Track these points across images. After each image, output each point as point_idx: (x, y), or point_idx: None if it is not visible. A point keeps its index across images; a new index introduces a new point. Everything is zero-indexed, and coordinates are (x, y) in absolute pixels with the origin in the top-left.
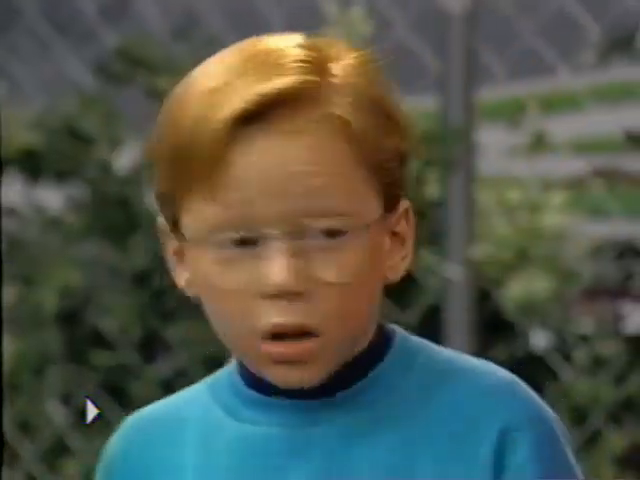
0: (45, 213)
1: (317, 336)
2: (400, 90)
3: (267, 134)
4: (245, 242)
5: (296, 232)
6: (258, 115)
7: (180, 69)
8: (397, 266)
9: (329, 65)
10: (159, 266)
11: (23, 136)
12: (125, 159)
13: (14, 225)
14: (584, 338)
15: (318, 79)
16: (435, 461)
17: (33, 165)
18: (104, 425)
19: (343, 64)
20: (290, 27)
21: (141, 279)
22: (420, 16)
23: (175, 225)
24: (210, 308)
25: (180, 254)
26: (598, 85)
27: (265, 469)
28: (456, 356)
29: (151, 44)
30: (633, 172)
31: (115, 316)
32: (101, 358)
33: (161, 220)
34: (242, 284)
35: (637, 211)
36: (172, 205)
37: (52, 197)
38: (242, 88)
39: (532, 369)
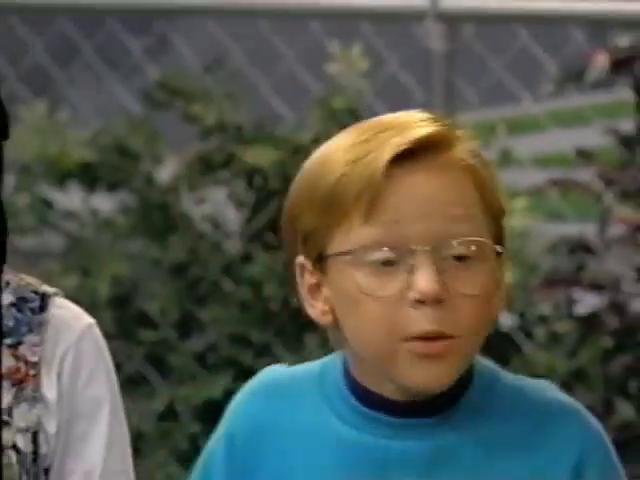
0: (99, 216)
1: (453, 338)
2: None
3: (415, 171)
4: (392, 260)
5: (438, 249)
6: (409, 156)
7: (210, 97)
8: (501, 303)
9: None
10: (193, 260)
11: (81, 153)
12: (165, 172)
13: (74, 226)
14: (543, 319)
15: (447, 129)
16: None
17: (90, 177)
18: (148, 390)
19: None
20: (300, 62)
21: (178, 270)
22: (409, 54)
23: (317, 261)
24: (354, 321)
25: (316, 288)
26: (555, 111)
27: (363, 472)
28: (520, 379)
29: (186, 77)
30: (583, 182)
31: (157, 300)
32: (145, 335)
33: (301, 259)
34: (396, 291)
35: (586, 214)
36: (319, 240)
37: (105, 203)
38: (390, 138)
39: (500, 344)
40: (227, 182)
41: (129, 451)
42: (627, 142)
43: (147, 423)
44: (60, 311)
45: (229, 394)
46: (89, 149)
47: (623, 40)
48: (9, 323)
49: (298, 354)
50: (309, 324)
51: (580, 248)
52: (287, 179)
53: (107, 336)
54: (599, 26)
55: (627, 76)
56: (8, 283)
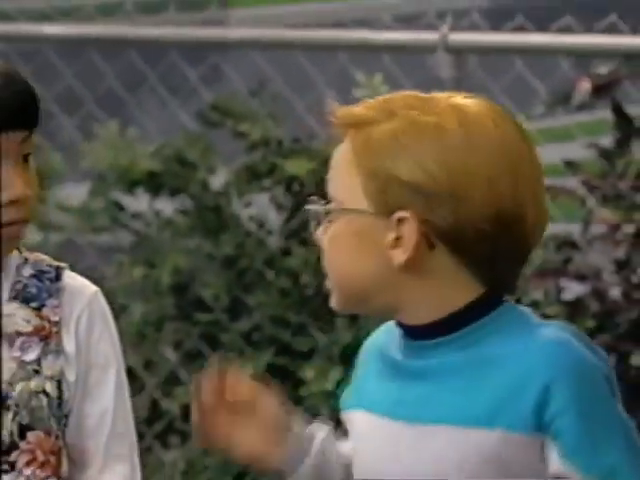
0: (162, 217)
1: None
2: None
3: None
4: None
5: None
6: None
7: (255, 117)
8: (398, 256)
9: (398, 112)
10: (241, 254)
11: (147, 164)
12: (217, 179)
13: (141, 225)
14: (535, 304)
15: (373, 114)
16: (492, 402)
17: (154, 184)
18: (203, 362)
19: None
20: (331, 87)
21: (228, 262)
22: (422, 81)
23: None
24: None
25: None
26: (545, 129)
27: (395, 387)
28: (535, 320)
29: (235, 100)
30: (569, 188)
31: (210, 288)
32: (201, 317)
33: None
34: None
35: (572, 216)
36: None
37: (167, 206)
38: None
39: None
40: (269, 188)
41: (129, 396)
42: (607, 155)
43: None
44: (71, 280)
45: (271, 366)
46: (154, 160)
47: (603, 69)
48: (32, 290)
49: (329, 333)
50: None
51: (567, 244)
52: (319, 185)
53: (169, 318)
54: (583, 57)
55: (606, 99)
56: (27, 259)
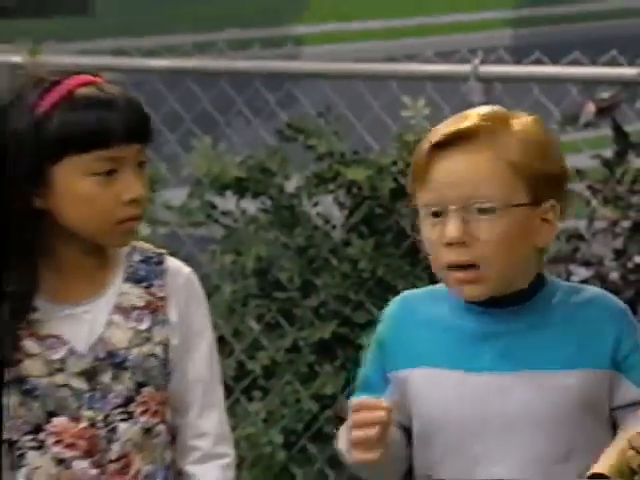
0: (247, 214)
1: (478, 268)
2: None
3: (451, 154)
4: (438, 214)
5: (465, 207)
6: (449, 143)
7: (323, 133)
8: (545, 239)
9: (510, 120)
10: (310, 244)
11: (235, 171)
12: (292, 184)
13: (230, 221)
14: None
15: (491, 124)
16: (573, 348)
17: (241, 188)
18: (280, 332)
19: (518, 121)
20: (384, 110)
21: (300, 251)
22: (457, 104)
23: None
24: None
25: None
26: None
27: (466, 346)
28: (574, 284)
29: (306, 120)
30: (577, 192)
31: (286, 272)
32: (278, 295)
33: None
34: (436, 237)
35: (579, 214)
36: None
37: (251, 206)
38: (437, 131)
39: None
40: (333, 191)
41: (218, 358)
42: (608, 164)
43: (279, 355)
44: (171, 263)
45: (335, 335)
46: (240, 169)
47: (605, 94)
48: (141, 273)
49: (382, 309)
50: (392, 288)
51: (575, 237)
52: (374, 189)
53: (252, 296)
54: (588, 84)
55: (607, 119)
56: (134, 248)
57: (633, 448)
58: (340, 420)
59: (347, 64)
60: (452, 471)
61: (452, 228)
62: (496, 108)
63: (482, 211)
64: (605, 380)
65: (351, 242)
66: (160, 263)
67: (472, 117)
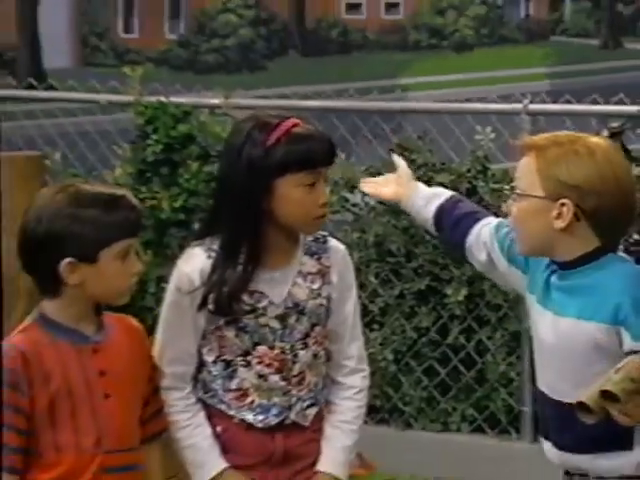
0: (369, 205)
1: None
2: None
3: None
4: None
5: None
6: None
7: (421, 151)
8: (558, 224)
9: (560, 141)
10: (412, 225)
11: (361, 176)
12: None
13: (357, 210)
14: None
15: (539, 143)
16: (593, 307)
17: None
18: (392, 286)
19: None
20: (463, 135)
21: (405, 230)
22: (513, 131)
23: None
24: None
25: None
26: None
27: (548, 288)
28: (622, 261)
29: (410, 141)
30: None
31: (395, 244)
32: (390, 260)
33: None
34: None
35: None
36: None
37: (372, 199)
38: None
39: None
40: None
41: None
42: None
43: (390, 300)
44: (332, 242)
45: (428, 287)
46: (364, 175)
47: (615, 124)
48: (313, 248)
49: (461, 268)
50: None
51: None
52: (455, 189)
53: (371, 260)
54: (603, 117)
55: (617, 141)
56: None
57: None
58: None
59: (437, 104)
60: (539, 381)
61: (506, 205)
62: (561, 133)
63: (516, 195)
64: (612, 331)
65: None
66: (325, 242)
67: (539, 137)
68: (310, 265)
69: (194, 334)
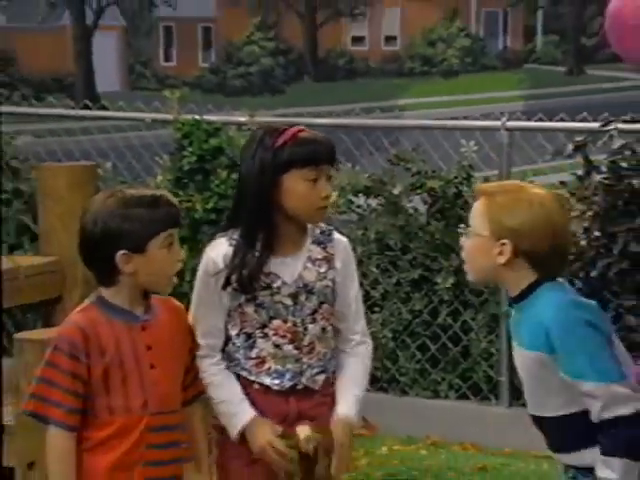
0: (370, 206)
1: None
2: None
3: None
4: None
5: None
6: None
7: (415, 161)
8: (500, 259)
9: (507, 189)
10: (408, 224)
11: (364, 182)
12: (397, 189)
13: (360, 210)
14: None
15: (492, 191)
16: (531, 336)
17: (367, 191)
18: (390, 273)
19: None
20: (450, 148)
21: (401, 228)
22: (493, 145)
23: None
24: None
25: None
26: (551, 166)
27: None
28: (555, 290)
29: (405, 153)
30: (561, 193)
31: (393, 240)
32: (388, 253)
33: None
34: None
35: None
36: None
37: (373, 202)
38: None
39: None
40: (420, 193)
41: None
42: (580, 178)
43: (389, 287)
44: (336, 235)
45: (421, 276)
46: (367, 181)
47: (579, 138)
48: (320, 239)
49: (449, 261)
50: (453, 249)
51: None
52: (444, 193)
53: (373, 254)
54: (569, 132)
55: (580, 152)
56: (317, 225)
57: None
58: None
59: (429, 121)
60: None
61: (461, 241)
62: (510, 182)
63: (468, 233)
64: (549, 358)
65: (430, 223)
66: (330, 234)
67: (490, 184)
68: (317, 252)
69: (221, 310)
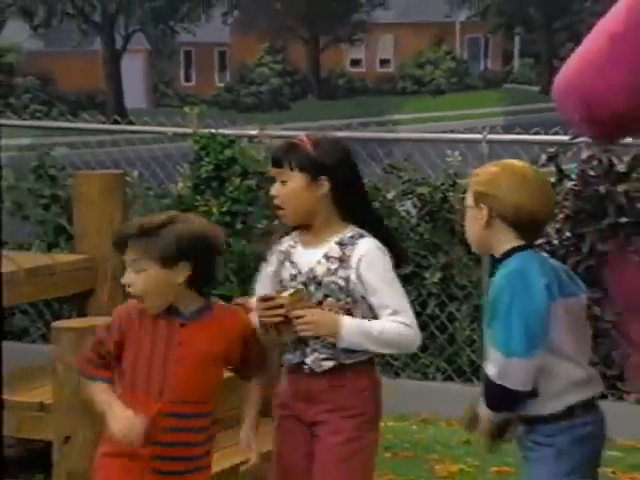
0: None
1: None
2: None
3: None
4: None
5: None
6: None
7: (406, 169)
8: (481, 222)
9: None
10: (400, 226)
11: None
12: (390, 195)
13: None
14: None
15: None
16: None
17: None
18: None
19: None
20: (437, 158)
21: (395, 229)
22: (475, 155)
23: None
24: None
25: None
26: None
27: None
28: (519, 258)
29: (398, 163)
30: None
31: None
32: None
33: None
34: None
35: None
36: None
37: None
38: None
39: None
40: (411, 198)
41: None
42: (553, 185)
43: None
44: (362, 240)
45: (412, 271)
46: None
47: (551, 149)
48: (345, 242)
49: (437, 259)
50: (441, 248)
51: None
52: (432, 198)
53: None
54: (543, 144)
55: (553, 162)
56: (352, 229)
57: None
58: None
59: (419, 134)
60: None
61: None
62: (500, 162)
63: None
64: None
65: (420, 225)
66: (357, 239)
67: (481, 169)
68: (335, 251)
69: (271, 286)
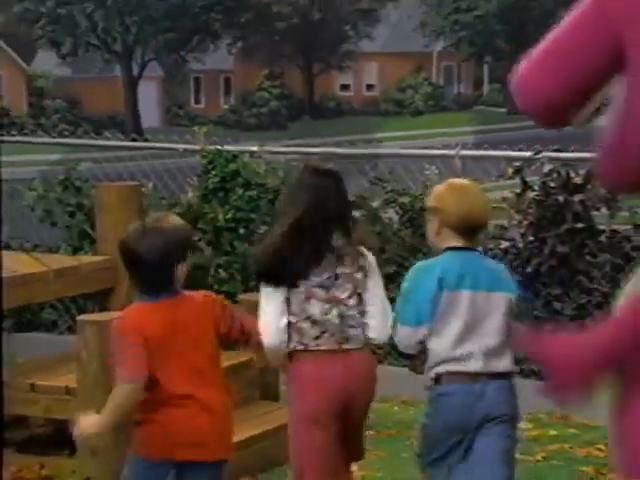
0: (354, 217)
1: None
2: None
3: None
4: None
5: None
6: None
7: (390, 181)
8: (434, 228)
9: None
10: (384, 230)
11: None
12: (376, 203)
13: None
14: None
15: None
16: None
17: (353, 205)
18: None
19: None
20: (416, 171)
21: (379, 233)
22: (450, 168)
23: None
24: None
25: None
26: (495, 186)
27: None
28: (432, 259)
29: (383, 175)
30: (503, 207)
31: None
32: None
33: None
34: None
35: (504, 217)
36: None
37: (357, 213)
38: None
39: None
40: (394, 207)
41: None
42: (518, 195)
43: None
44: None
45: (395, 271)
46: (352, 197)
47: (517, 163)
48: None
49: (417, 261)
50: (420, 251)
51: (502, 227)
52: (412, 206)
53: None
54: (509, 159)
55: (518, 175)
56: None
57: None
58: None
59: (401, 150)
60: None
61: None
62: (450, 182)
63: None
64: None
65: (402, 230)
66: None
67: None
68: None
69: None
